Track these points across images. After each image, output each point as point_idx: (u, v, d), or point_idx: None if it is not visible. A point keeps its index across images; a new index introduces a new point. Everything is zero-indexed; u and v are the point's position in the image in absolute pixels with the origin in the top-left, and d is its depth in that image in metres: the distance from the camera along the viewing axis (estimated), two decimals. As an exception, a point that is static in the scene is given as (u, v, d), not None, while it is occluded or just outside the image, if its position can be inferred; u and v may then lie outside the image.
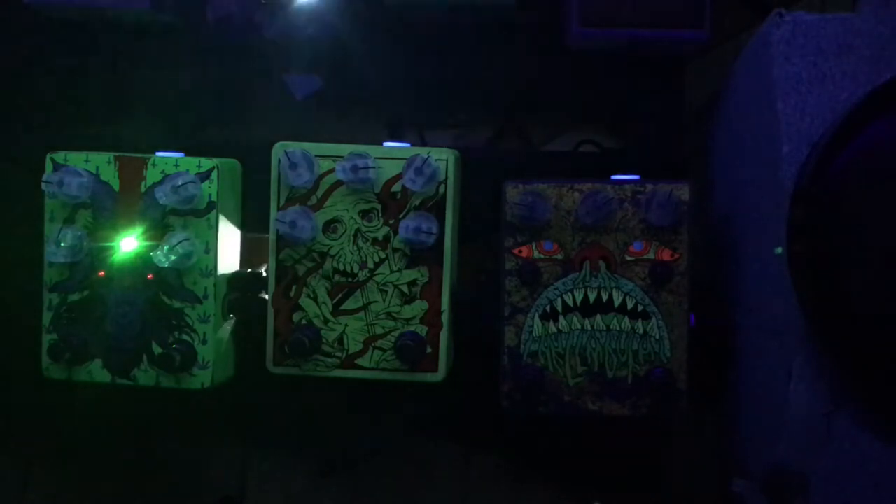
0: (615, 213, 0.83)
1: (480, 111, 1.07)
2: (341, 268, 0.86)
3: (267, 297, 0.87)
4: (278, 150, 0.86)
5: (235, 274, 0.90)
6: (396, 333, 0.86)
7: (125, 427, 1.06)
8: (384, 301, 0.86)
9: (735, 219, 0.92)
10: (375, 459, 1.06)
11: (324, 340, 0.86)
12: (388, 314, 0.86)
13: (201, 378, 0.87)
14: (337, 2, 0.95)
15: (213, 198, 0.86)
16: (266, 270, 0.88)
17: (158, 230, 0.86)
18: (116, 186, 0.87)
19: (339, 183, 0.85)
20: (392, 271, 0.86)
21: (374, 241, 0.86)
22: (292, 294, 0.86)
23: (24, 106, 1.04)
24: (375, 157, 0.84)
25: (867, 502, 0.76)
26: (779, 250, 0.77)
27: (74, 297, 0.87)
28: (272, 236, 0.86)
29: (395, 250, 0.86)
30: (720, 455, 0.98)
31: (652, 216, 0.83)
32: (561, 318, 0.84)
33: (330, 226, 0.86)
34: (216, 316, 0.87)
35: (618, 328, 0.84)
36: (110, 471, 1.08)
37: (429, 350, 0.85)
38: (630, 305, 0.84)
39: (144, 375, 0.87)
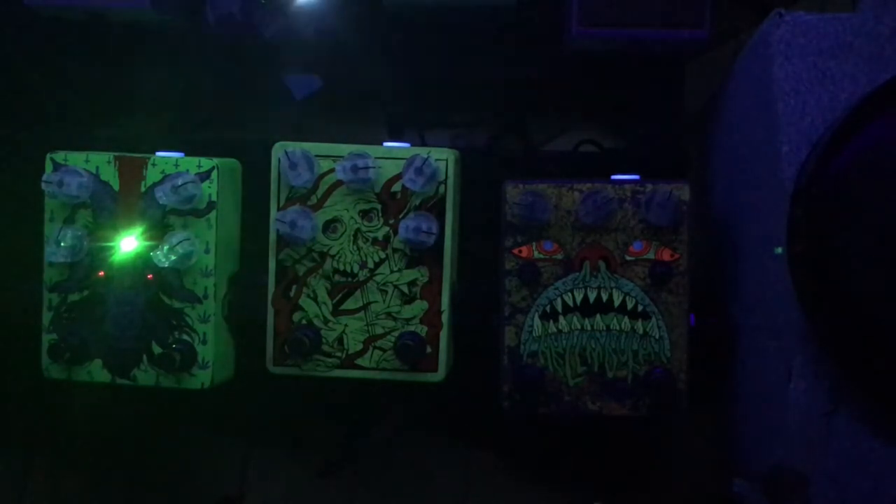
0: (615, 213, 0.83)
1: (480, 111, 1.07)
2: (341, 268, 0.86)
3: (267, 297, 0.87)
4: (278, 150, 0.86)
5: (235, 274, 0.90)
6: (396, 333, 0.86)
7: (125, 427, 1.06)
8: (384, 301, 0.86)
9: (735, 219, 0.92)
10: (375, 459, 1.06)
11: (324, 340, 0.86)
12: (388, 314, 0.86)
13: (201, 378, 0.87)
14: (337, 2, 0.95)
15: (213, 198, 0.86)
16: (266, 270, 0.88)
17: (158, 230, 0.86)
18: (116, 186, 0.87)
19: (339, 183, 0.85)
20: (392, 271, 0.86)
21: (374, 241, 0.86)
22: (292, 294, 0.86)
23: (24, 106, 1.04)
24: (375, 157, 0.84)
25: (867, 502, 0.76)
26: (779, 250, 0.77)
27: (74, 297, 0.87)
28: (272, 236, 0.86)
29: (395, 250, 0.86)
30: (720, 455, 0.98)
31: (652, 216, 0.83)
32: (561, 318, 0.84)
33: (330, 226, 0.86)
34: (216, 316, 0.87)
35: (618, 328, 0.84)
36: (110, 471, 1.08)
37: (429, 350, 0.85)
38: (630, 305, 0.84)
39: (144, 375, 0.87)
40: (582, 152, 1.04)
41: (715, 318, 0.91)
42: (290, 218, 0.83)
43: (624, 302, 0.84)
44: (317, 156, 0.85)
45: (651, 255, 0.83)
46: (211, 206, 0.86)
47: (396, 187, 0.85)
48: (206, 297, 0.86)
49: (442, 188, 0.85)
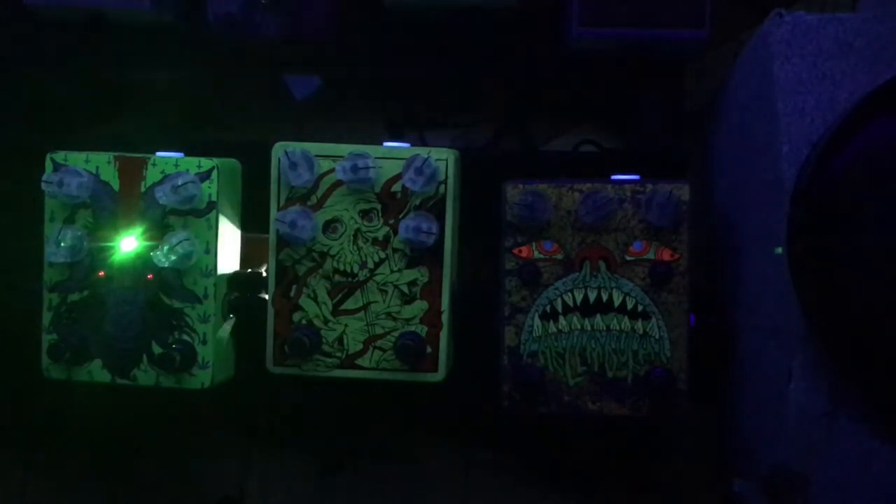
0: (615, 213, 0.83)
1: (480, 111, 1.07)
2: (341, 268, 0.86)
3: (267, 297, 0.87)
4: (278, 150, 0.86)
5: (235, 274, 0.90)
6: (396, 333, 0.86)
7: (125, 427, 1.06)
8: (384, 301, 0.86)
9: (735, 219, 0.92)
10: (375, 459, 1.06)
11: (324, 340, 0.86)
12: (388, 314, 0.86)
13: (201, 378, 0.87)
14: (337, 2, 0.95)
15: (213, 198, 0.86)
16: (266, 270, 0.88)
17: (158, 230, 0.86)
18: (116, 186, 0.87)
19: (339, 183, 0.85)
20: (392, 271, 0.86)
21: (374, 241, 0.86)
22: (292, 294, 0.86)
23: (24, 106, 1.04)
24: (375, 157, 0.84)
25: (867, 502, 0.76)
26: (779, 250, 0.77)
27: (74, 297, 0.87)
28: (272, 236, 0.86)
29: (395, 250, 0.86)
30: (720, 455, 0.98)
31: (652, 216, 0.83)
32: (561, 318, 0.84)
33: (330, 226, 0.86)
34: (216, 316, 0.87)
35: (618, 328, 0.84)
36: (110, 471, 1.08)
37: (429, 350, 0.85)
38: (630, 305, 0.84)
39: (144, 375, 0.87)
40: (582, 152, 1.04)
41: (715, 318, 0.91)
42: (290, 218, 0.83)
43: (624, 302, 0.84)
44: (317, 156, 0.85)
45: (651, 255, 0.83)
46: (211, 206, 0.86)
47: (396, 187, 0.85)
48: (206, 297, 0.86)
49: (442, 188, 0.85)
